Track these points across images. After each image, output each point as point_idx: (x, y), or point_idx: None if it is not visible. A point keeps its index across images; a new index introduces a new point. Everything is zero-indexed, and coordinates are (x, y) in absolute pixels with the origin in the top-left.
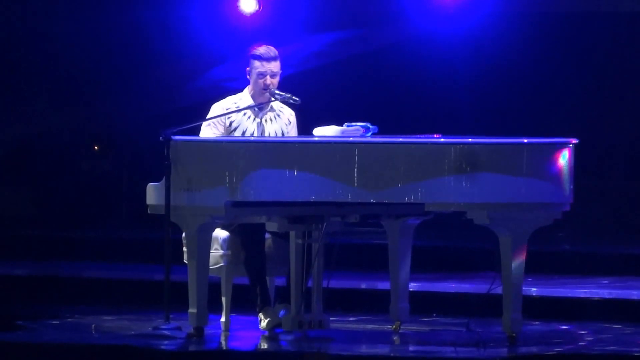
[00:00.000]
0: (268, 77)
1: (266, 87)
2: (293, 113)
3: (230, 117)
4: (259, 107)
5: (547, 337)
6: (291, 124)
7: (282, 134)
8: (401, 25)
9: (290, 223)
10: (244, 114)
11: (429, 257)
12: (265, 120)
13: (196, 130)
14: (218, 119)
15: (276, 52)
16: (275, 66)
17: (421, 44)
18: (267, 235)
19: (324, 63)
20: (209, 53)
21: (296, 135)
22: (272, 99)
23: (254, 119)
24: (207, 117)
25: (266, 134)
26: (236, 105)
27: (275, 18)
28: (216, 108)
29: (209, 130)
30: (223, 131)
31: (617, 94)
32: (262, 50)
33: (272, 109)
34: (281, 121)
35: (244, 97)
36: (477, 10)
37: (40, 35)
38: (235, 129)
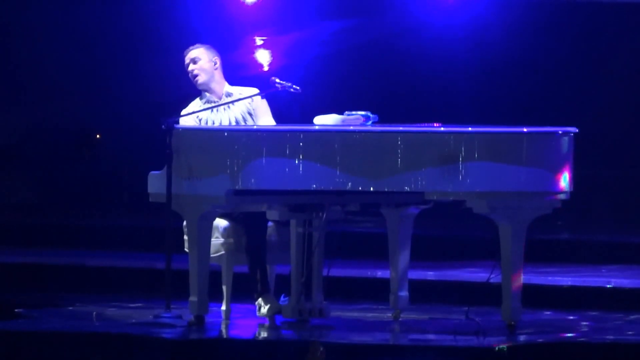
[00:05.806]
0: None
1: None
2: (256, 90)
3: (198, 116)
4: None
5: (546, 325)
6: (254, 100)
7: (243, 118)
8: (402, 15)
9: (291, 211)
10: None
11: (428, 246)
12: (219, 110)
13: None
14: (192, 119)
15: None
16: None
17: (422, 33)
18: (270, 223)
19: (325, 52)
20: (210, 42)
21: (267, 108)
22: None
23: (213, 110)
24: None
25: (221, 122)
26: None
27: (276, 8)
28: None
29: None
30: None
31: (617, 83)
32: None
33: (228, 96)
34: (240, 104)
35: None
36: None
37: (42, 27)
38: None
